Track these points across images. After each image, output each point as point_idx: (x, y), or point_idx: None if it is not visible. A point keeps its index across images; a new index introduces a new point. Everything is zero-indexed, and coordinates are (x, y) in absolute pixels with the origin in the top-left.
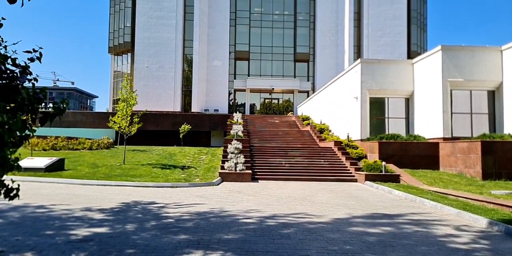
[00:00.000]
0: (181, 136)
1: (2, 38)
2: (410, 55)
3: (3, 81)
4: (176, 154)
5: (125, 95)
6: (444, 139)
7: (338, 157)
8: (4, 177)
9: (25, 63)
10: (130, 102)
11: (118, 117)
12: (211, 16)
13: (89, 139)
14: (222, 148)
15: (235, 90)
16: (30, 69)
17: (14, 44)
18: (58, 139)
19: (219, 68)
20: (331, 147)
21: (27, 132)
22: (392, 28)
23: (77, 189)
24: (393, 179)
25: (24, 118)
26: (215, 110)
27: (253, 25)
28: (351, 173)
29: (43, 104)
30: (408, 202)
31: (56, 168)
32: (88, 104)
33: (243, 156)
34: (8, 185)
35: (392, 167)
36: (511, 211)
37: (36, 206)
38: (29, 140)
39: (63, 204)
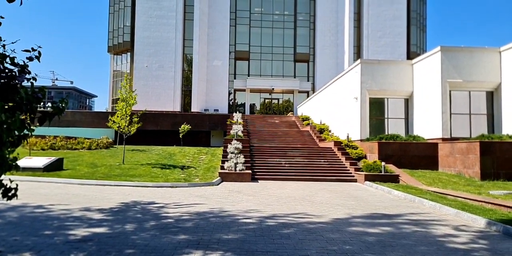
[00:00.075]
0: (180, 136)
1: (0, 37)
2: (410, 55)
3: (2, 80)
4: (175, 154)
5: (124, 95)
6: (443, 139)
7: (338, 157)
8: (2, 176)
9: (24, 62)
10: (130, 102)
11: (118, 116)
12: (211, 16)
13: (88, 138)
14: (222, 148)
15: (235, 90)
16: (28, 68)
17: (12, 43)
18: (56, 139)
19: (219, 68)
20: (331, 147)
21: (25, 131)
22: (392, 28)
23: (76, 189)
24: (393, 179)
25: (22, 117)
26: (215, 110)
27: (253, 25)
28: (350, 173)
29: (41, 103)
30: (407, 202)
31: (54, 167)
32: (87, 103)
33: (243, 156)
34: (7, 184)
35: (391, 167)
36: (509, 211)
37: (34, 206)
38: (28, 140)
39: (61, 204)
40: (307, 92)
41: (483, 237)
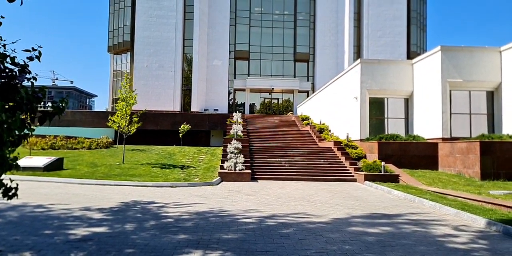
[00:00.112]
0: (180, 136)
1: (1, 37)
2: (410, 55)
3: (2, 80)
4: (175, 154)
5: (124, 94)
6: (443, 139)
7: (338, 157)
8: (3, 176)
9: (24, 62)
10: (130, 102)
11: (118, 116)
12: (211, 16)
13: (88, 138)
14: (222, 147)
15: (235, 90)
16: (29, 68)
17: (13, 42)
18: (57, 138)
19: (219, 68)
20: (331, 147)
21: (26, 131)
22: (392, 28)
23: (76, 189)
24: (392, 179)
25: (23, 117)
26: (214, 109)
27: (253, 25)
28: (350, 173)
29: (42, 103)
30: (407, 202)
31: (55, 167)
32: (87, 103)
33: (242, 155)
34: (7, 184)
35: (391, 167)
36: (509, 211)
37: (34, 205)
38: (28, 139)
39: (62, 203)
40: (307, 92)
41: (483, 237)
